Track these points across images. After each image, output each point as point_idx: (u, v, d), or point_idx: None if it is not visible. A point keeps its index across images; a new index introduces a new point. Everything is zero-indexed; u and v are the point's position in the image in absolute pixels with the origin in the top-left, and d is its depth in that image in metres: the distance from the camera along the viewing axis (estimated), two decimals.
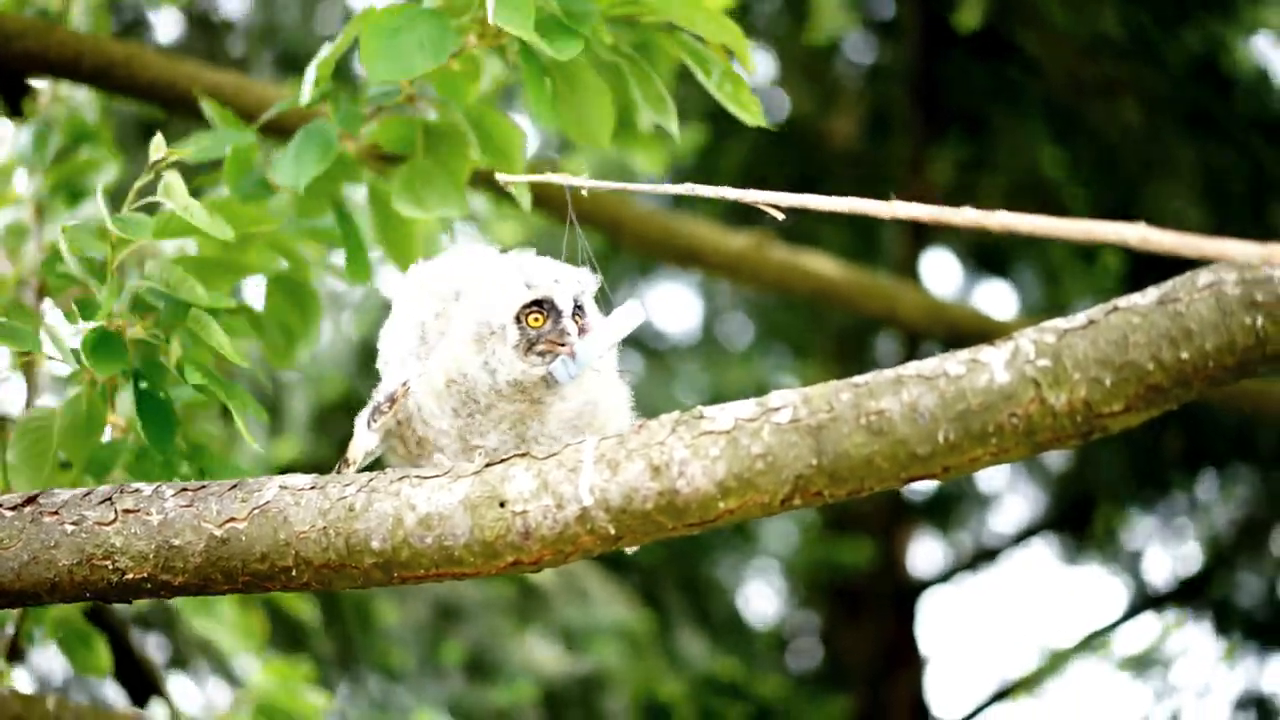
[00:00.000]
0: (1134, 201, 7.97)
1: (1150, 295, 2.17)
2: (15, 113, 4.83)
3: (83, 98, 4.70)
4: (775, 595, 10.73)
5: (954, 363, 2.23)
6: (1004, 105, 8.26)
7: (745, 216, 7.22)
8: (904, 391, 2.23)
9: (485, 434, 2.59)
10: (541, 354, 2.56)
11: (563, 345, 2.55)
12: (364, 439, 2.65)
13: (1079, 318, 2.20)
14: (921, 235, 8.48)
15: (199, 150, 3.28)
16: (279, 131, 3.67)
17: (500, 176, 2.84)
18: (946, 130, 8.62)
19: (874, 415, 2.23)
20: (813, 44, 7.81)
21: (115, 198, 3.00)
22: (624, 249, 6.14)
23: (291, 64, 7.68)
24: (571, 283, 2.59)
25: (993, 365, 2.20)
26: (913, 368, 2.25)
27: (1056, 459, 9.55)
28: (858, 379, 2.27)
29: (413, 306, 2.68)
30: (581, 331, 2.57)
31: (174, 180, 2.89)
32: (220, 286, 3.05)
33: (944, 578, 10.17)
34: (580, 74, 3.18)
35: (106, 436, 3.12)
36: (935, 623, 10.42)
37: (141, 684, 5.10)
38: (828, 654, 10.15)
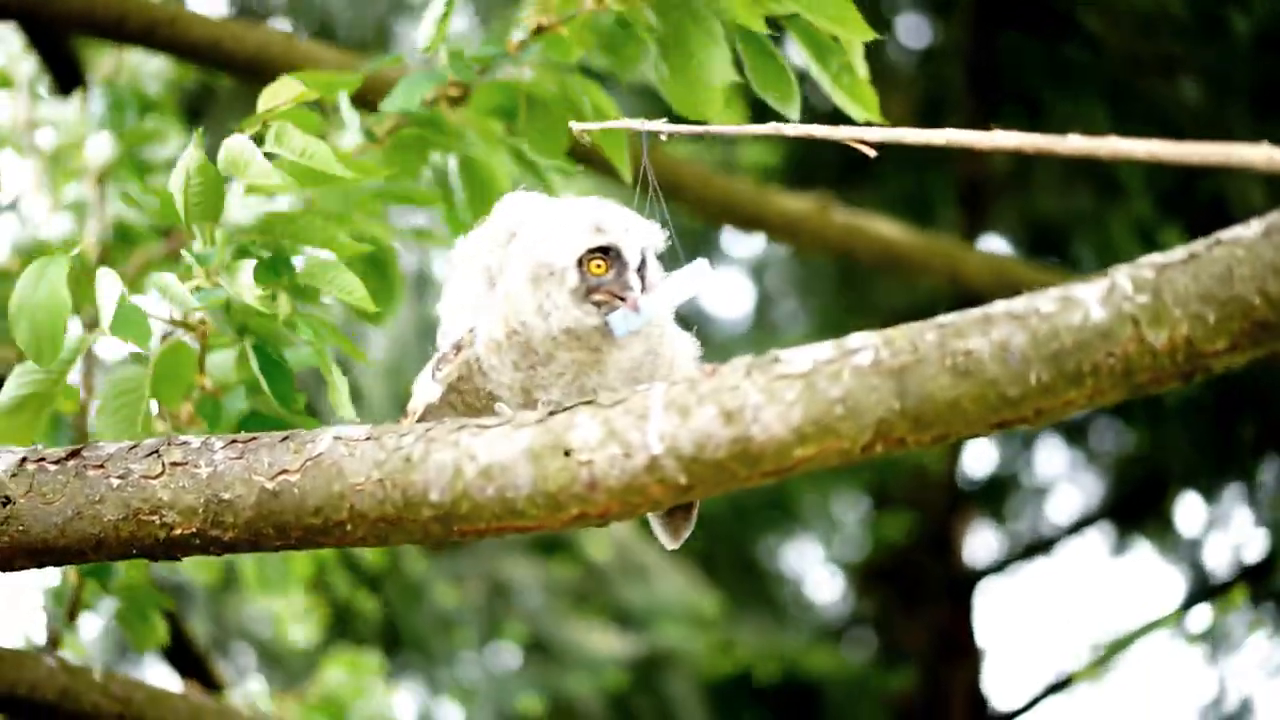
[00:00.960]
0: (1194, 181, 7.81)
1: (1255, 227, 2.04)
2: (64, 88, 4.75)
3: (148, 68, 4.63)
4: (831, 582, 10.62)
5: (1046, 300, 2.10)
6: (1061, 85, 8.12)
7: (810, 174, 7.12)
8: (993, 330, 2.10)
9: (548, 387, 2.48)
10: (598, 303, 2.45)
11: (623, 298, 2.44)
12: (426, 390, 2.54)
13: (1178, 252, 2.07)
14: (977, 217, 8.35)
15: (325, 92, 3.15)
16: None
17: (575, 126, 2.71)
18: (1001, 111, 8.48)
19: (961, 356, 2.11)
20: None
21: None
22: (685, 212, 6.01)
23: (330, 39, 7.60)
24: (642, 234, 2.48)
25: (1088, 302, 2.07)
26: (1001, 306, 2.13)
27: (1118, 442, 9.41)
28: (942, 318, 2.15)
29: (475, 254, 2.57)
30: (645, 286, 2.46)
31: (288, 127, 2.79)
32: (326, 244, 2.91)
33: (1000, 566, 10.04)
34: (697, 47, 3.07)
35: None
36: (991, 612, 10.30)
37: (186, 664, 5.02)
38: (883, 642, 10.03)
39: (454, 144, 3.25)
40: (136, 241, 4.06)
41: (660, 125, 2.52)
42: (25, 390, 2.75)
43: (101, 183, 4.27)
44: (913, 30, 8.94)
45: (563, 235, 2.46)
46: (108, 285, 2.62)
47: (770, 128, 2.40)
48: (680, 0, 3.01)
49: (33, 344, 2.61)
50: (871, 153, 2.31)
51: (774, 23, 3.07)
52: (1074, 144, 1.98)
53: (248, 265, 2.72)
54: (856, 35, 2.98)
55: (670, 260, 2.56)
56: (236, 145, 2.75)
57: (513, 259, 2.50)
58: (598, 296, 2.45)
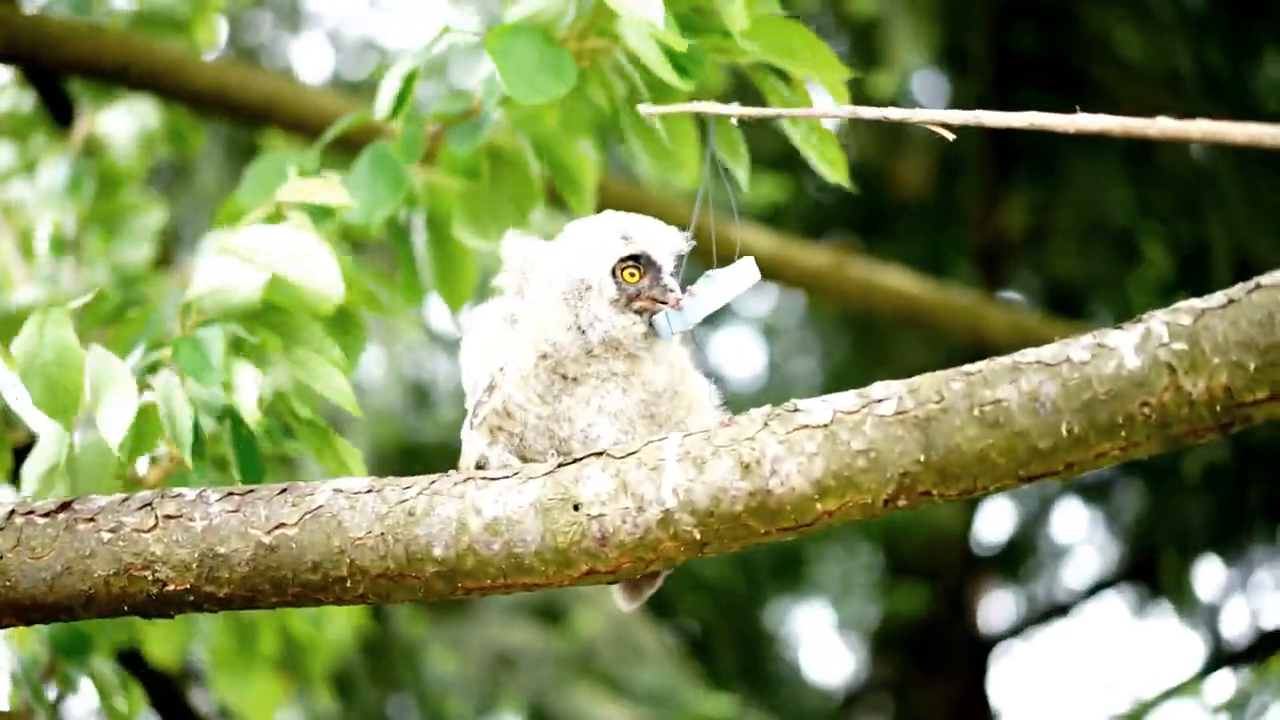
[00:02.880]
0: (1211, 248, 7.74)
1: None
2: (63, 124, 4.70)
3: (126, 125, 4.57)
4: (845, 650, 10.48)
5: (1078, 348, 2.02)
6: (1077, 143, 8.06)
7: (823, 231, 7.06)
8: (1022, 379, 2.02)
9: (573, 419, 2.38)
10: (640, 311, 2.38)
11: (664, 302, 2.38)
12: (471, 445, 2.45)
13: (1216, 297, 1.99)
14: (995, 275, 8.28)
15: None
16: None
17: (643, 108, 2.63)
18: (1017, 169, 8.43)
19: (989, 406, 2.02)
20: (880, 86, 7.64)
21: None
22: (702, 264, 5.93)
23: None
24: (670, 239, 2.42)
25: (1122, 350, 1.99)
26: (1031, 354, 2.04)
27: (1131, 507, 9.29)
28: (970, 366, 2.07)
29: (490, 309, 2.50)
30: (682, 290, 2.40)
31: (304, 221, 2.74)
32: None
33: (1016, 631, 9.91)
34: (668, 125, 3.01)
35: (142, 466, 2.95)
36: (1009, 677, 10.15)
37: None
38: (899, 709, 9.89)
39: (417, 200, 3.19)
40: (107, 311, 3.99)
41: (731, 109, 2.44)
42: (50, 465, 2.65)
43: (74, 253, 4.22)
44: (930, 89, 8.90)
45: (592, 249, 2.40)
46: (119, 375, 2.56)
47: (845, 111, 2.33)
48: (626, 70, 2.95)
49: (49, 402, 2.52)
50: (950, 135, 2.22)
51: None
52: (1163, 126, 1.90)
53: (247, 373, 2.65)
54: (834, 75, 2.91)
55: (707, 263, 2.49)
56: (288, 237, 2.70)
57: (535, 284, 2.43)
58: (639, 304, 2.39)
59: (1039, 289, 8.56)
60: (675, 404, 2.43)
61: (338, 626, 5.07)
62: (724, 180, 2.53)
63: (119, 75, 3.96)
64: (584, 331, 2.37)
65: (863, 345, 9.23)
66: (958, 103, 8.62)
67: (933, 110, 2.19)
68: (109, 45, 3.92)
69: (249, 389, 2.63)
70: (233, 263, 2.71)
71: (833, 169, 2.97)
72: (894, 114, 2.24)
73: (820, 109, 2.43)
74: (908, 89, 8.72)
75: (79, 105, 4.52)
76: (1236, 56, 7.47)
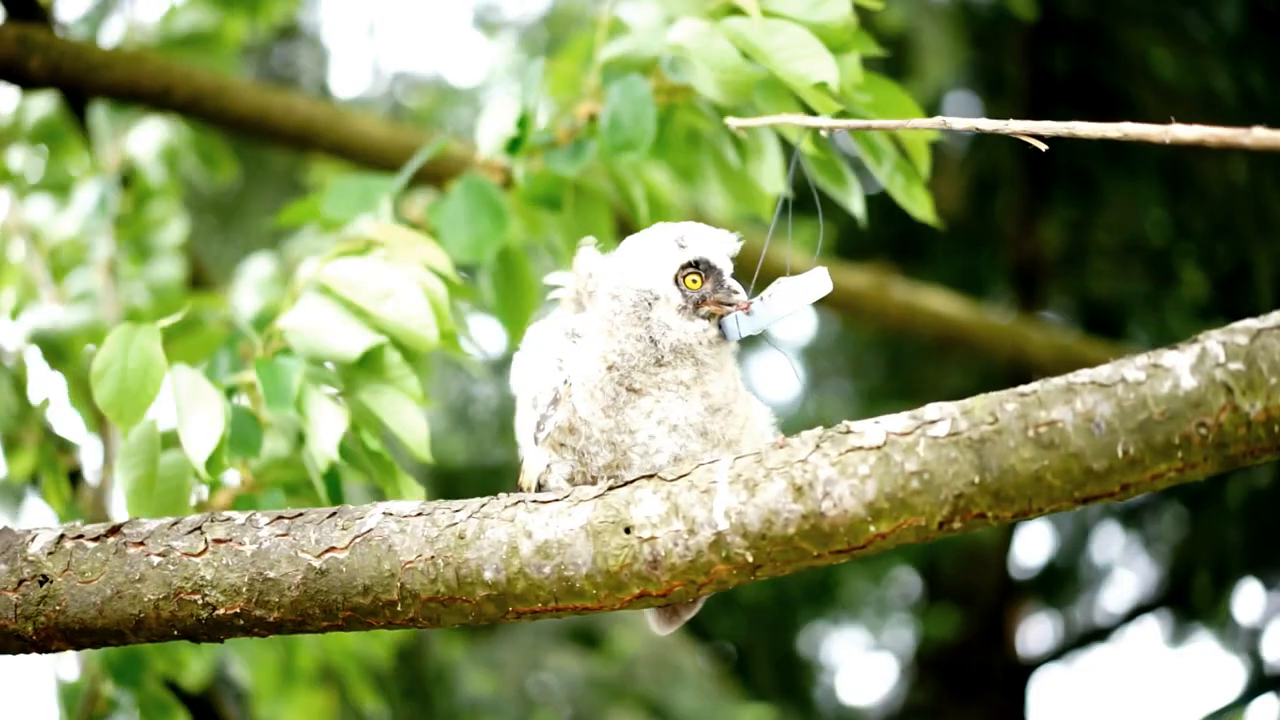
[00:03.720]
0: (1251, 262, 7.69)
1: None
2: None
3: (149, 148, 4.59)
4: (882, 673, 10.42)
5: (1132, 368, 2.00)
6: (1113, 163, 8.03)
7: (859, 253, 7.04)
8: (1077, 400, 2.00)
9: (635, 431, 2.37)
10: (708, 316, 2.40)
11: (730, 304, 2.40)
12: (534, 458, 2.43)
13: (1274, 316, 1.97)
14: (1031, 296, 8.24)
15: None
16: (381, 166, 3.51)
17: (732, 121, 2.64)
18: (1052, 190, 8.40)
19: (1043, 427, 2.00)
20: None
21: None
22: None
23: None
24: (723, 241, 2.45)
25: (1177, 370, 1.97)
26: (1085, 374, 2.02)
27: (1169, 531, 9.22)
28: (1024, 388, 2.05)
29: (549, 325, 2.51)
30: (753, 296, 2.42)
31: (403, 256, 2.76)
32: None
33: (1055, 656, 9.84)
34: (751, 154, 3.02)
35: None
36: (1047, 703, 10.07)
37: None
38: None
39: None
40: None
41: (821, 121, 2.45)
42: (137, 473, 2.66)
43: (111, 271, 4.22)
44: (964, 109, 8.87)
45: (652, 259, 2.42)
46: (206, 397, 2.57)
47: (936, 121, 2.32)
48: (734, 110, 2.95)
49: (114, 405, 2.53)
50: (1043, 147, 2.21)
51: None
52: (1258, 136, 1.88)
53: (327, 409, 2.66)
54: (921, 135, 2.92)
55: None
56: (378, 272, 2.71)
57: (599, 298, 2.44)
58: (706, 309, 2.41)
59: (1075, 310, 8.52)
60: (729, 422, 2.42)
61: (377, 643, 5.07)
62: (814, 196, 2.54)
63: (160, 100, 3.96)
64: (655, 342, 2.38)
65: (896, 369, 9.21)
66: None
67: (1024, 121, 2.17)
68: (150, 70, 3.92)
69: (330, 426, 2.64)
70: (333, 310, 2.72)
71: (919, 205, 2.99)
72: (986, 124, 2.23)
73: (911, 120, 2.41)
74: (941, 107, 8.71)
75: (99, 127, 4.52)
76: (1275, 76, 7.44)
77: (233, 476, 2.90)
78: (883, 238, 8.24)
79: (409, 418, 2.68)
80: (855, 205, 3.06)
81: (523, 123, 3.05)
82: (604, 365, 2.38)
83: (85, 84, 3.91)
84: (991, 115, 8.65)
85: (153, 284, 4.47)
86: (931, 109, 8.48)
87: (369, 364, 2.70)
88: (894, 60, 8.21)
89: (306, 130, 3.97)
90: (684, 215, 2.77)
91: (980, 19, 7.79)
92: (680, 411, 2.37)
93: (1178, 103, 7.60)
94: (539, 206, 3.21)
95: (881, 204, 8.46)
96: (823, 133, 2.49)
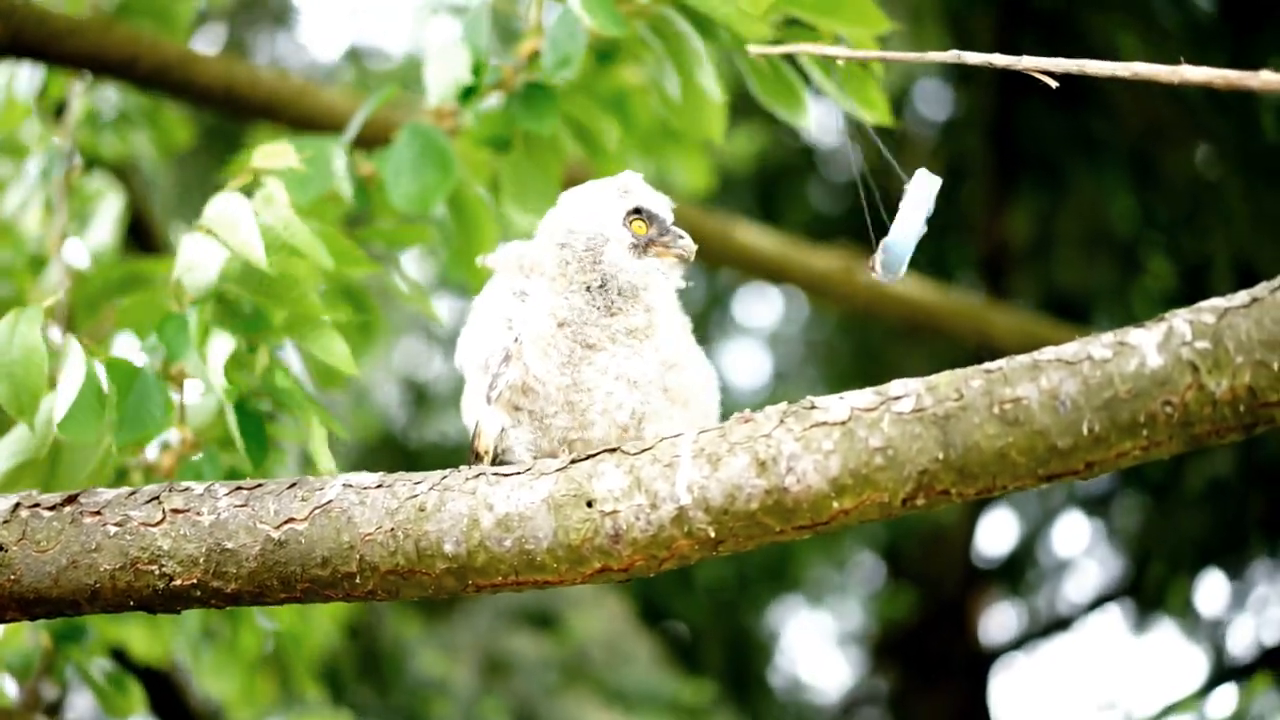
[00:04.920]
0: (1214, 260, 7.72)
1: None
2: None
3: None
4: (843, 659, 10.44)
5: (1099, 346, 1.99)
6: (1081, 154, 8.04)
7: (826, 237, 7.05)
8: (1043, 377, 1.99)
9: (593, 390, 2.36)
10: (657, 256, 2.47)
11: (674, 249, 2.47)
12: (490, 420, 2.41)
13: (1240, 296, 1.96)
14: (998, 284, 8.25)
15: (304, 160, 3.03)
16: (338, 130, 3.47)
17: (753, 49, 2.61)
18: (1021, 180, 8.41)
19: (1009, 404, 1.99)
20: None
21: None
22: (708, 264, 5.92)
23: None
24: (661, 197, 2.53)
25: (1144, 348, 1.96)
26: (1051, 352, 2.01)
27: (1131, 521, 9.25)
28: (989, 365, 2.04)
29: (499, 282, 2.50)
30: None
31: (277, 190, 2.70)
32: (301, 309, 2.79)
33: (1017, 644, 9.87)
34: (693, 67, 2.99)
35: (153, 453, 2.92)
36: (1009, 691, 10.10)
37: None
38: None
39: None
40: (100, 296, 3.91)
41: (839, 50, 2.45)
42: (19, 460, 2.61)
43: (61, 240, 4.16)
44: (934, 100, 8.87)
45: (598, 205, 2.47)
46: (74, 363, 2.52)
47: (950, 55, 2.31)
48: (671, 24, 2.93)
49: (13, 401, 2.48)
50: (1054, 84, 2.19)
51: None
52: (1266, 78, 1.88)
53: (222, 342, 2.62)
54: (874, 29, 2.89)
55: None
56: (228, 206, 2.66)
57: (545, 252, 2.47)
58: (655, 250, 2.46)
59: (1042, 298, 8.54)
60: (686, 380, 2.41)
61: (323, 622, 5.03)
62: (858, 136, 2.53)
63: (126, 69, 3.92)
64: (604, 286, 2.40)
65: (863, 353, 9.22)
66: (962, 113, 8.61)
67: (1036, 58, 2.16)
68: (116, 39, 3.88)
69: (219, 354, 2.60)
70: (201, 239, 2.69)
71: (873, 110, 2.95)
72: (999, 60, 2.22)
73: (926, 54, 2.39)
74: (909, 96, 8.72)
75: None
76: (1241, 67, 7.44)
77: (173, 436, 2.87)
78: (851, 223, 8.24)
79: (331, 343, 2.66)
80: (803, 121, 3.03)
81: (477, 70, 3.00)
82: (554, 322, 2.38)
83: (49, 52, 3.86)
84: (961, 106, 8.67)
85: (94, 251, 4.42)
86: (901, 98, 8.49)
87: (275, 294, 2.67)
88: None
89: (272, 102, 3.94)
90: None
91: (951, 4, 7.78)
92: (639, 367, 2.37)
93: (1145, 91, 7.61)
94: (486, 148, 3.17)
95: (849, 192, 8.43)
96: (838, 62, 2.48)
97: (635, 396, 2.36)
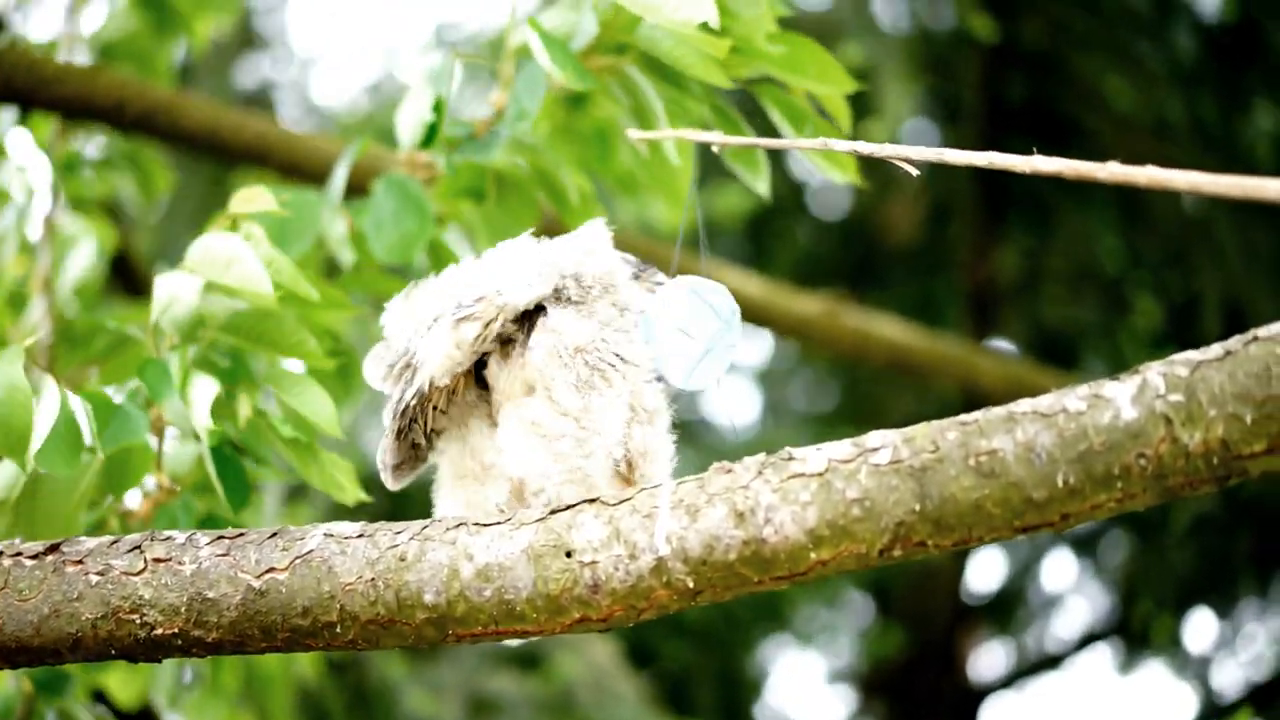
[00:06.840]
0: (1203, 296, 7.74)
1: None
2: None
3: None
4: (833, 698, 10.42)
5: (1073, 398, 2.00)
6: (1068, 191, 8.08)
7: (814, 279, 7.07)
8: (1018, 430, 2.00)
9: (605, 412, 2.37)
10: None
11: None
12: (437, 351, 2.35)
13: (1214, 349, 1.97)
14: (984, 324, 8.28)
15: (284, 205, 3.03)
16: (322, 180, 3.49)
17: (633, 134, 2.64)
18: (1008, 216, 8.44)
19: (984, 456, 2.00)
20: (873, 134, 7.63)
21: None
22: None
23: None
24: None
25: (1118, 400, 1.97)
26: (1027, 404, 2.03)
27: (1119, 559, 9.26)
28: (965, 416, 2.06)
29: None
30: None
31: (258, 232, 2.71)
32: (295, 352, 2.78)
33: (1007, 682, 9.86)
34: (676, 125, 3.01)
35: (133, 500, 2.92)
36: None
37: None
38: None
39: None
40: (83, 342, 3.91)
41: (715, 137, 2.45)
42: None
43: (46, 287, 4.16)
44: (920, 136, 8.91)
45: (587, 250, 2.42)
46: (49, 395, 2.50)
47: (819, 143, 2.31)
48: (634, 81, 2.95)
49: (2, 440, 2.49)
50: (914, 171, 2.21)
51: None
52: (1113, 171, 1.89)
53: (205, 385, 2.62)
54: (840, 89, 2.90)
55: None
56: (216, 245, 2.66)
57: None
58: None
59: (1029, 337, 8.56)
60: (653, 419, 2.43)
61: (303, 662, 5.02)
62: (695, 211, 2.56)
63: (113, 115, 3.95)
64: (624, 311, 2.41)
65: (852, 394, 9.23)
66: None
67: (899, 146, 2.18)
68: (104, 85, 3.91)
69: (203, 398, 2.60)
70: (175, 275, 2.70)
71: (842, 170, 2.96)
72: (864, 148, 2.23)
73: (801, 141, 2.42)
74: (899, 137, 8.74)
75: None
76: (1228, 107, 7.49)
77: (149, 482, 2.87)
78: (839, 264, 8.27)
79: (314, 398, 2.65)
80: (761, 188, 3.04)
81: (437, 108, 3.01)
82: (573, 349, 2.38)
83: (38, 98, 3.89)
84: (949, 142, 8.71)
85: (79, 290, 4.42)
86: (891, 137, 8.52)
87: (253, 336, 2.68)
88: (857, 97, 8.24)
89: (258, 147, 3.97)
90: (632, 227, 2.76)
91: (939, 44, 7.82)
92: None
93: (1131, 132, 7.65)
94: (463, 198, 3.19)
95: (839, 231, 8.46)
96: (714, 148, 2.49)
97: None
